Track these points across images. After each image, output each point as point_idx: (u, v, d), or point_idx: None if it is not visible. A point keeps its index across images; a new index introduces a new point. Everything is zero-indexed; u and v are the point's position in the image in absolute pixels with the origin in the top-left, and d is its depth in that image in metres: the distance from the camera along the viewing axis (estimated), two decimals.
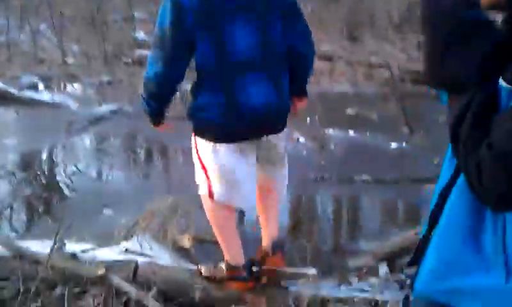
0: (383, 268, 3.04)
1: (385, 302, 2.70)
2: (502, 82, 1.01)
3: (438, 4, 1.07)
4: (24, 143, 5.38)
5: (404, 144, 5.35)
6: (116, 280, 2.71)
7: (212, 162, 2.46)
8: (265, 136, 2.48)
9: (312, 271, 2.97)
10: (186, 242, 3.20)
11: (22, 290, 2.52)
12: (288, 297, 2.68)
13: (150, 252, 3.15)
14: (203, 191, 2.61)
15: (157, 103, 2.46)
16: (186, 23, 2.22)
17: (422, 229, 1.26)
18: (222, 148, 2.40)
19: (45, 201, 4.09)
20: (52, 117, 6.21)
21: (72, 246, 3.07)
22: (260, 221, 2.91)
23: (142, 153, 5.45)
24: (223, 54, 2.26)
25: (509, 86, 1.00)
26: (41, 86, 7.56)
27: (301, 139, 5.36)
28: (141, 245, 3.17)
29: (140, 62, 8.51)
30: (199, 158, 2.54)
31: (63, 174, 4.61)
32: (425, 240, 1.20)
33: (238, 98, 2.29)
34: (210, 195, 2.56)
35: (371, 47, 9.30)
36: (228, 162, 2.43)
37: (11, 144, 5.36)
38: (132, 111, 6.39)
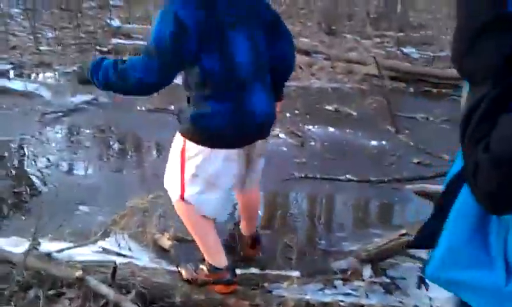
0: (367, 271, 3.00)
1: (371, 306, 2.66)
2: None
3: None
4: None
5: (384, 141, 5.33)
6: (94, 282, 2.60)
7: (199, 168, 2.47)
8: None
9: (296, 274, 2.93)
10: (166, 241, 3.11)
11: None
12: (272, 300, 2.61)
13: (128, 252, 3.05)
14: (175, 195, 2.60)
15: (112, 91, 2.47)
16: (187, 39, 2.23)
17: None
18: (219, 154, 2.43)
19: (15, 196, 3.93)
20: (24, 106, 6.01)
21: (46, 245, 2.95)
22: (241, 215, 3.03)
23: (118, 147, 5.31)
24: (231, 65, 2.33)
25: None
26: (12, 74, 7.32)
27: (281, 135, 5.29)
28: (119, 245, 3.07)
29: (116, 51, 8.35)
30: (182, 162, 2.51)
31: (35, 168, 4.45)
32: (438, 225, 1.17)
33: (245, 107, 2.38)
34: (182, 198, 2.56)
35: (349, 43, 9.30)
36: (218, 169, 2.47)
37: None
38: (108, 102, 6.25)
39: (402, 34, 10.16)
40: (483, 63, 1.01)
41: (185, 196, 2.55)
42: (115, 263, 2.80)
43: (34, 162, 4.59)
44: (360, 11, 11.38)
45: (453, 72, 7.85)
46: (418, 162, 4.78)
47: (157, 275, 2.82)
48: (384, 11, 10.84)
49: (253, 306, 2.57)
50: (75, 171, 4.52)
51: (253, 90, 2.40)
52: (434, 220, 1.19)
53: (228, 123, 2.37)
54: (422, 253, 3.25)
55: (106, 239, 3.11)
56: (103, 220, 3.35)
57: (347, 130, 5.68)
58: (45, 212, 3.60)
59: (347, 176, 4.23)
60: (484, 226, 1.10)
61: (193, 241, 3.15)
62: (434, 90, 7.50)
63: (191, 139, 2.45)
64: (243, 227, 3.06)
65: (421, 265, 3.15)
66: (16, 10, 9.71)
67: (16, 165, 4.61)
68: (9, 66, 7.42)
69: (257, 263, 3.03)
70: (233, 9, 2.34)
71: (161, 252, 3.08)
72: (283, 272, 2.94)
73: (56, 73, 7.47)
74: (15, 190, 4.01)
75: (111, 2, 12.22)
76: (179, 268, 2.78)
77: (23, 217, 3.58)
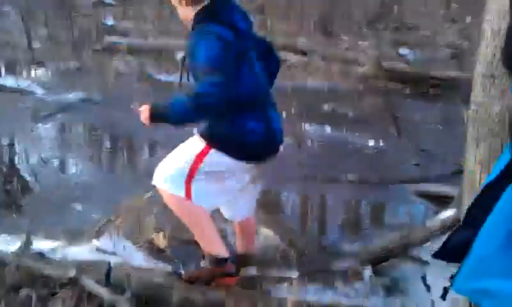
0: (367, 272, 2.94)
1: None
2: None
3: None
4: None
5: (381, 142, 5.28)
6: (88, 282, 2.54)
7: (214, 169, 2.54)
8: None
9: (295, 274, 2.86)
10: (162, 241, 3.04)
11: None
12: (271, 302, 2.55)
13: (123, 252, 2.97)
14: (178, 191, 2.56)
15: (186, 121, 2.52)
16: (230, 52, 2.41)
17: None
18: (239, 165, 2.55)
19: (7, 193, 3.85)
20: (16, 104, 5.92)
21: (38, 244, 2.87)
22: (236, 233, 2.97)
23: (112, 145, 5.23)
24: (257, 84, 2.56)
25: None
26: (4, 71, 7.22)
27: None
28: (113, 244, 2.99)
29: (110, 49, 8.27)
30: (196, 162, 2.54)
31: (28, 165, 4.36)
32: (467, 235, 1.12)
33: (272, 124, 2.58)
34: (188, 195, 2.55)
35: (346, 43, 9.24)
36: (232, 177, 2.58)
37: None
38: (102, 100, 6.17)
39: (398, 35, 10.12)
40: None
41: (189, 191, 2.55)
42: (109, 262, 2.74)
43: (27, 159, 4.51)
44: (356, 12, 11.34)
45: (450, 73, 7.84)
46: (417, 164, 4.73)
47: (153, 275, 2.75)
48: (381, 11, 10.80)
49: None
50: (68, 169, 4.45)
51: (271, 109, 2.62)
52: (464, 231, 1.14)
53: (261, 140, 2.54)
54: (422, 254, 3.21)
55: (100, 238, 3.04)
56: (97, 219, 3.27)
57: (344, 131, 5.62)
58: (38, 210, 3.54)
59: (348, 176, 4.16)
60: None
61: (189, 241, 3.10)
62: (431, 91, 7.45)
63: (221, 150, 2.52)
64: (238, 245, 2.97)
65: (422, 267, 3.11)
66: (8, 7, 9.60)
67: (8, 163, 4.53)
68: (1, 63, 7.32)
69: (256, 263, 2.96)
70: (248, 34, 2.57)
71: (157, 251, 3.00)
72: (282, 273, 2.88)
73: (49, 70, 7.36)
74: (7, 187, 3.93)
75: (105, 1, 12.13)
76: (174, 270, 2.71)
77: (14, 215, 3.50)
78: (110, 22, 9.64)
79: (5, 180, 4.09)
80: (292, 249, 3.03)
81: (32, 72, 7.28)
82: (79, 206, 3.62)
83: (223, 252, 2.65)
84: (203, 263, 2.69)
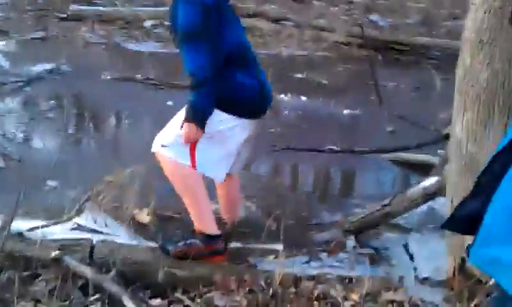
0: (351, 242, 2.97)
1: (358, 277, 2.62)
2: None
3: None
4: None
5: (357, 110, 5.29)
6: (72, 262, 2.49)
7: (217, 133, 2.59)
8: None
9: (280, 247, 2.86)
10: (145, 217, 2.99)
11: None
12: (259, 275, 2.55)
13: (105, 229, 2.92)
14: (180, 158, 2.58)
15: (210, 101, 2.52)
16: (213, 18, 2.48)
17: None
18: (238, 122, 2.62)
19: None
20: None
21: (16, 224, 2.78)
22: (220, 201, 3.00)
23: (84, 118, 5.09)
24: (241, 41, 2.66)
25: None
26: None
27: None
28: (95, 221, 2.93)
29: (76, 17, 8.00)
30: None
31: None
32: (478, 204, 1.11)
33: (263, 81, 2.70)
34: (193, 165, 2.58)
35: (317, 10, 9.17)
36: (234, 135, 2.65)
37: None
38: (70, 71, 5.98)
39: (368, 1, 10.09)
40: None
41: (194, 159, 2.57)
42: (92, 241, 2.69)
43: None
44: None
45: (421, 40, 7.88)
46: (392, 131, 4.76)
47: (138, 252, 2.72)
48: None
49: (240, 282, 2.49)
50: (39, 145, 4.31)
51: (258, 66, 2.73)
52: (474, 201, 1.13)
53: (254, 94, 2.63)
54: (404, 223, 3.25)
55: (81, 215, 2.97)
56: (75, 196, 3.19)
57: (320, 99, 5.61)
58: (11, 189, 3.42)
59: (326, 146, 4.14)
60: None
61: (172, 217, 3.07)
62: (403, 58, 7.48)
63: (218, 107, 2.56)
64: (223, 213, 3.00)
65: (404, 235, 3.15)
66: None
67: None
68: None
69: (239, 237, 2.95)
70: None
71: (140, 228, 2.96)
72: (266, 246, 2.87)
73: (13, 41, 7.08)
74: None
75: None
76: (164, 246, 2.68)
77: None
78: None
79: None
80: (275, 222, 3.02)
81: None
82: (53, 183, 3.51)
83: (214, 230, 2.66)
84: (193, 240, 2.66)
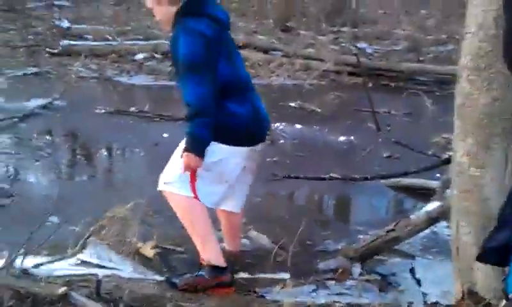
0: (357, 269, 2.97)
1: (367, 305, 2.62)
2: None
3: None
4: None
5: (352, 137, 5.34)
6: (79, 298, 2.45)
7: (214, 165, 2.61)
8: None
9: (286, 276, 2.86)
10: (149, 250, 2.97)
11: None
12: (268, 305, 2.54)
13: (109, 263, 2.89)
14: (183, 191, 2.61)
15: (208, 131, 2.54)
16: (213, 49, 2.54)
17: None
18: (232, 151, 2.64)
19: None
20: None
21: (20, 260, 2.75)
22: (223, 232, 3.02)
23: (81, 153, 5.08)
24: (237, 73, 2.69)
25: None
26: None
27: None
28: (99, 257, 2.91)
29: (67, 52, 8.04)
30: None
31: None
32: (507, 235, 1.13)
33: (257, 108, 2.73)
34: (195, 195, 2.61)
35: (306, 39, 9.31)
36: (230, 166, 2.66)
37: None
38: (65, 106, 5.99)
39: (355, 29, 10.27)
40: None
41: (194, 189, 2.60)
42: (98, 276, 2.66)
43: None
44: (313, 8, 11.44)
45: (409, 65, 8.00)
46: (389, 156, 4.81)
47: (144, 286, 2.69)
48: (337, 7, 10.92)
49: None
50: (38, 181, 4.29)
51: (253, 93, 2.76)
52: (501, 232, 1.15)
53: (249, 122, 2.66)
54: (406, 248, 3.26)
55: (84, 251, 2.94)
56: (77, 232, 3.16)
57: (314, 127, 5.66)
58: (17, 224, 3.40)
59: (331, 174, 4.15)
60: None
61: (177, 250, 3.06)
62: (392, 84, 7.59)
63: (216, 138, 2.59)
64: (227, 243, 3.03)
65: (407, 260, 3.16)
66: None
67: None
68: None
69: (245, 267, 2.94)
70: (227, 25, 2.71)
71: (145, 261, 2.94)
72: (273, 276, 2.87)
73: (5, 77, 7.08)
74: None
75: (56, 2, 11.81)
76: (171, 280, 2.66)
77: None
78: (65, 24, 9.36)
79: None
80: (281, 251, 3.02)
81: None
82: (55, 220, 3.48)
83: (221, 262, 2.66)
84: (201, 272, 2.66)
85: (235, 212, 2.90)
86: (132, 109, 6.03)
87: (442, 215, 2.95)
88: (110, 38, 8.83)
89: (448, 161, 2.95)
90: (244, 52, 8.20)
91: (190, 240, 2.75)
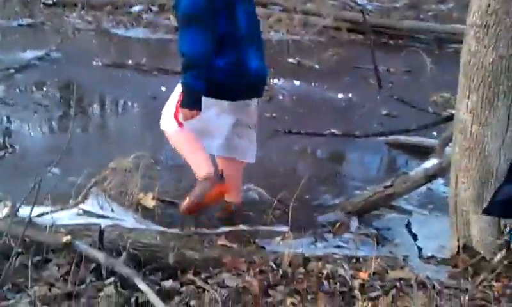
0: (354, 223, 3.03)
1: (363, 257, 2.68)
2: None
3: None
4: None
5: (350, 94, 5.34)
6: (83, 246, 2.49)
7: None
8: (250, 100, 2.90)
9: (285, 229, 2.91)
10: (150, 202, 3.01)
11: None
12: (268, 257, 2.59)
13: (111, 214, 2.93)
14: (171, 125, 2.84)
15: (202, 81, 2.63)
16: (216, 2, 2.60)
17: None
18: (215, 104, 2.77)
19: None
20: None
21: (23, 210, 2.78)
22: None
23: (79, 105, 5.05)
24: (234, 27, 2.71)
25: None
26: None
27: None
28: (101, 207, 2.94)
29: (62, 3, 7.91)
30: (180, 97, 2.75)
31: None
32: None
33: (244, 60, 2.75)
34: (178, 122, 2.79)
35: None
36: (211, 118, 2.81)
37: None
38: (62, 57, 5.93)
39: None
40: None
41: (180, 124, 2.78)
42: (101, 225, 2.70)
43: None
44: None
45: (409, 23, 7.94)
46: (387, 114, 4.83)
47: (146, 236, 2.73)
48: None
49: (249, 264, 2.53)
50: (38, 132, 4.29)
51: (248, 51, 2.75)
52: (510, 185, 1.18)
53: (230, 75, 2.69)
54: (402, 204, 3.32)
55: (86, 202, 2.98)
56: (79, 182, 3.18)
57: (313, 83, 5.65)
58: (14, 176, 3.42)
59: (332, 130, 4.17)
60: None
61: (177, 202, 3.10)
62: (391, 42, 7.54)
63: None
64: (227, 193, 3.08)
65: (405, 216, 3.22)
66: None
67: None
68: None
69: (246, 219, 2.99)
70: None
71: (146, 212, 2.98)
72: (273, 228, 2.92)
73: (0, 28, 6.98)
74: None
75: None
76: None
77: None
78: None
79: None
80: (280, 204, 3.07)
81: None
82: (56, 170, 3.50)
83: (209, 170, 2.86)
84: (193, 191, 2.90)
85: (231, 164, 3.01)
86: (130, 62, 5.98)
87: (440, 172, 2.99)
88: None
89: (449, 119, 2.98)
90: None
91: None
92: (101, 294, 2.29)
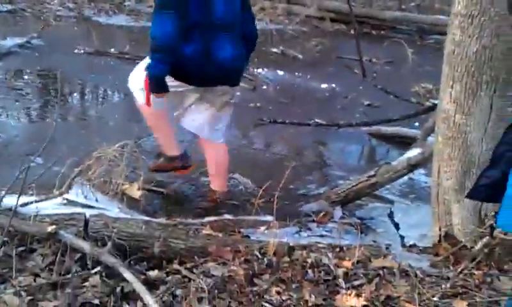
0: (338, 213, 3.06)
1: (347, 246, 2.71)
2: None
3: None
4: None
5: (333, 84, 5.37)
6: (68, 236, 2.48)
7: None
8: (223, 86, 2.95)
9: (269, 218, 2.93)
10: (135, 191, 3.01)
11: None
12: (253, 246, 2.61)
13: (96, 203, 2.92)
14: (140, 98, 2.98)
15: (167, 65, 2.72)
16: None
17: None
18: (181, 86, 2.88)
19: None
20: None
21: (7, 200, 2.76)
22: (209, 173, 3.23)
23: (61, 93, 5.00)
24: (209, 15, 2.75)
25: None
26: None
27: None
28: (85, 197, 2.93)
29: None
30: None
31: None
32: (497, 173, 1.19)
33: (213, 48, 2.79)
34: (148, 103, 2.88)
35: None
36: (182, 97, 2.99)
37: None
38: (43, 45, 5.86)
39: None
40: None
41: (149, 100, 2.88)
42: (85, 215, 2.69)
43: None
44: None
45: (391, 14, 7.99)
46: (369, 104, 4.87)
47: (131, 225, 2.72)
48: None
49: (234, 253, 2.55)
50: (20, 120, 4.24)
51: (221, 40, 2.79)
52: (494, 169, 1.21)
53: (196, 63, 2.77)
54: (384, 193, 3.36)
55: (70, 191, 2.96)
56: (62, 172, 3.16)
57: (296, 73, 5.66)
58: None
59: (316, 120, 4.20)
60: None
61: (162, 192, 3.11)
62: (374, 32, 7.59)
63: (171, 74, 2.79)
64: (212, 181, 3.20)
65: (387, 205, 3.27)
66: None
67: None
68: None
69: (230, 209, 3.00)
70: None
71: (131, 202, 2.98)
72: (257, 217, 2.93)
73: None
74: None
75: None
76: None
77: None
78: None
79: None
80: (265, 194, 3.08)
81: None
82: (39, 159, 3.47)
83: (174, 152, 3.16)
84: (161, 158, 3.23)
85: (213, 148, 3.11)
86: (112, 50, 5.93)
87: (422, 161, 3.03)
88: None
89: (431, 109, 3.01)
90: None
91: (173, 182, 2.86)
92: (86, 284, 2.29)
